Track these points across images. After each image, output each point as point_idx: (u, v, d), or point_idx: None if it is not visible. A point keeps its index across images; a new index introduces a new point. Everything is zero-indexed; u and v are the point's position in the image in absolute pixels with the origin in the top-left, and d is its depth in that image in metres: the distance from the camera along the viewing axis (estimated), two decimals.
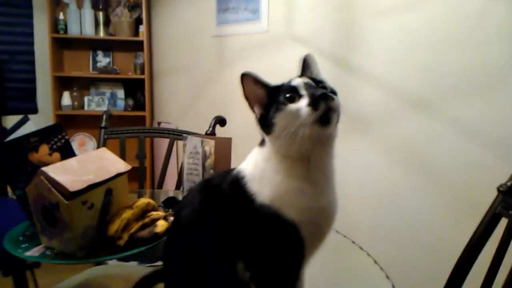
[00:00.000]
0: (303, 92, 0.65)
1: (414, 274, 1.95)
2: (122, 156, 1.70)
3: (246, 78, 0.69)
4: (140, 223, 1.02)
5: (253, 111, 0.70)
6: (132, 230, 1.00)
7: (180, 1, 3.11)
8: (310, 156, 0.65)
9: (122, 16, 3.32)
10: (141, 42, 3.28)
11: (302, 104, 0.63)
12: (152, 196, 1.64)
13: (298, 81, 0.67)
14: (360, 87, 2.07)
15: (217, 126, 1.71)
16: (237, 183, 0.68)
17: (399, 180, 2.04)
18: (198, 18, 2.97)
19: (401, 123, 2.01)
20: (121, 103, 3.53)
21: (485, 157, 1.76)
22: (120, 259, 1.17)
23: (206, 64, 2.97)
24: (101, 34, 3.41)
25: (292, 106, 0.63)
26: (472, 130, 1.80)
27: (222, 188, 0.70)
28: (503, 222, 0.92)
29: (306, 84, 0.66)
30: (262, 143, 0.71)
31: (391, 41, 2.03)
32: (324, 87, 0.67)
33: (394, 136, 2.04)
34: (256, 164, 0.69)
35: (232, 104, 2.68)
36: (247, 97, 0.70)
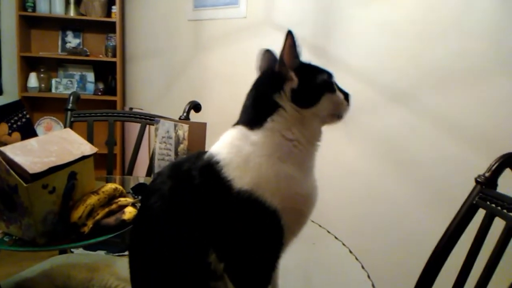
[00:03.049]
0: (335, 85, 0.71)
1: (390, 264, 1.96)
2: (90, 140, 1.62)
3: (291, 38, 0.65)
4: (107, 209, 0.97)
5: (285, 77, 0.66)
6: (98, 217, 0.95)
7: None
8: (313, 141, 0.67)
9: None
10: (114, 24, 3.18)
11: (342, 96, 0.71)
12: (122, 183, 1.58)
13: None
14: (339, 78, 2.02)
15: (192, 112, 1.65)
16: (210, 168, 0.63)
17: (376, 171, 2.04)
18: (173, 0, 2.89)
19: (379, 115, 2.01)
20: (90, 87, 3.41)
21: (463, 150, 1.77)
22: (87, 248, 1.12)
23: (182, 49, 2.90)
24: (72, 13, 3.29)
25: (339, 94, 0.70)
26: (451, 122, 1.81)
27: (193, 175, 0.65)
28: (480, 213, 0.91)
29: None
30: (253, 124, 0.65)
31: (370, 31, 2.01)
32: None
33: (372, 128, 2.04)
34: (238, 147, 0.64)
35: (208, 90, 2.63)
36: (284, 59, 0.65)
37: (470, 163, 1.68)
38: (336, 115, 0.70)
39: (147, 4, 3.11)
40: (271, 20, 2.38)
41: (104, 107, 3.11)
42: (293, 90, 0.65)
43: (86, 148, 0.96)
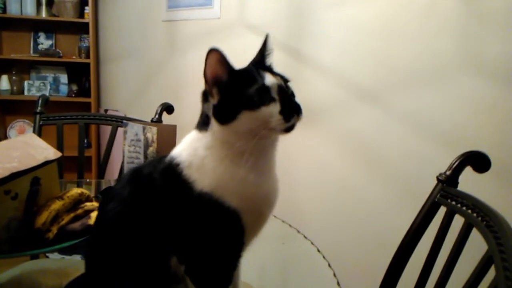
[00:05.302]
0: (275, 95, 0.62)
1: (358, 261, 1.98)
2: (60, 144, 1.60)
3: (213, 55, 0.61)
4: (72, 214, 0.97)
5: (209, 93, 0.64)
6: (63, 222, 0.95)
7: None
8: (259, 150, 0.64)
9: None
10: (87, 24, 3.12)
11: (275, 110, 0.61)
12: (98, 187, 1.56)
13: (271, 82, 0.63)
14: (311, 77, 2.06)
15: (164, 114, 1.64)
16: (171, 171, 0.64)
17: (347, 168, 2.06)
18: (147, 1, 2.86)
19: (349, 114, 2.03)
20: (64, 89, 3.34)
21: (429, 147, 1.80)
22: (62, 253, 1.10)
23: (156, 50, 2.87)
24: (43, 14, 3.21)
25: (264, 110, 0.61)
26: (418, 121, 1.84)
27: (154, 178, 0.65)
28: (442, 210, 0.93)
29: (279, 87, 0.64)
30: (202, 127, 0.66)
31: (342, 32, 2.03)
32: (292, 93, 0.66)
33: (342, 127, 2.06)
34: (195, 150, 0.65)
35: (183, 91, 2.61)
36: (206, 77, 0.63)
37: (436, 161, 1.71)
38: (272, 129, 0.61)
39: (120, 4, 3.07)
40: (244, 21, 2.39)
41: (78, 109, 3.06)
42: (214, 106, 0.64)
43: (50, 153, 0.95)
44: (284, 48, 2.18)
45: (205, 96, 0.66)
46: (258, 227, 0.67)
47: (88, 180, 1.69)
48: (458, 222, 0.87)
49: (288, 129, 0.62)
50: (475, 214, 0.80)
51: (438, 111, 1.78)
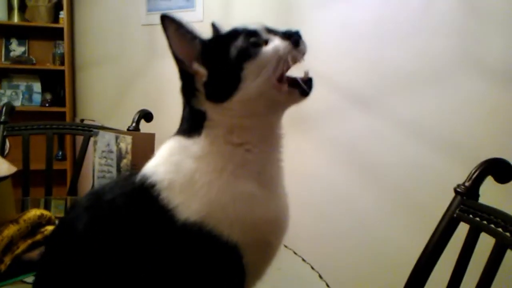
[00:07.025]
0: (267, 35, 0.51)
1: (352, 273, 1.89)
2: (26, 157, 1.43)
3: (169, 24, 0.49)
4: (29, 241, 0.83)
5: (191, 71, 0.51)
6: (18, 251, 0.81)
7: None
8: (269, 140, 0.51)
9: (39, 0, 3.00)
10: (61, 30, 2.96)
11: (277, 42, 0.50)
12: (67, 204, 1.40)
13: (255, 26, 0.52)
14: None
15: (143, 122, 1.50)
16: (143, 194, 0.48)
17: (341, 178, 1.97)
18: (126, 4, 2.73)
19: (343, 120, 1.95)
20: (37, 98, 3.16)
21: (427, 155, 1.72)
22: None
23: (135, 55, 2.74)
24: (15, 19, 3.05)
25: (268, 49, 0.49)
26: (415, 127, 1.76)
27: (119, 205, 0.49)
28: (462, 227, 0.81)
29: (266, 28, 0.52)
30: (189, 131, 0.51)
31: (333, 34, 1.95)
32: None
33: (336, 133, 1.98)
34: (178, 163, 0.49)
35: (164, 98, 2.48)
36: (177, 55, 0.50)
37: (432, 167, 1.64)
38: (288, 64, 0.50)
39: (97, 8, 2.94)
40: (229, 23, 2.25)
41: (53, 119, 2.87)
42: (205, 84, 0.50)
43: (2, 168, 0.80)
44: None
45: (188, 89, 0.52)
46: (264, 265, 0.52)
47: (58, 197, 1.53)
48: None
49: (308, 87, 0.53)
50: (508, 234, 0.68)
51: (435, 115, 1.71)
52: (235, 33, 0.51)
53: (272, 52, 0.49)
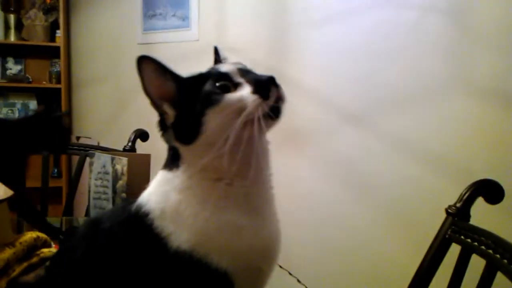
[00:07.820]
0: (239, 79, 0.51)
1: None
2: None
3: (146, 65, 0.51)
4: (25, 264, 0.83)
5: (161, 111, 0.52)
6: (13, 274, 0.80)
7: (102, 5, 2.88)
8: (247, 173, 0.49)
9: (36, 20, 3.03)
10: (58, 48, 2.99)
11: (245, 92, 0.49)
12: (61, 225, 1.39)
13: (228, 67, 0.51)
14: (294, 100, 1.96)
15: (138, 141, 1.50)
16: (138, 222, 0.49)
17: (334, 195, 1.97)
18: (122, 23, 2.77)
19: (336, 137, 1.96)
20: None
21: (419, 171, 1.73)
22: None
23: (132, 74, 2.64)
24: (12, 38, 3.07)
25: (232, 97, 0.49)
26: (407, 144, 1.77)
27: (115, 233, 0.50)
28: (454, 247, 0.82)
29: (240, 70, 0.52)
30: (171, 165, 0.52)
31: (326, 52, 1.98)
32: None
33: (328, 150, 1.98)
34: (165, 194, 0.50)
35: None
36: (149, 94, 0.51)
37: (428, 184, 1.65)
38: (252, 119, 0.48)
39: (93, 27, 2.97)
40: (224, 42, 2.30)
41: None
42: (173, 125, 0.52)
43: None
44: (265, 70, 2.09)
45: (162, 124, 0.53)
46: None
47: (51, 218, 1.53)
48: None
49: (275, 112, 0.49)
50: (498, 255, 0.69)
51: (427, 133, 1.73)
52: (205, 76, 0.52)
53: (235, 101, 0.49)
